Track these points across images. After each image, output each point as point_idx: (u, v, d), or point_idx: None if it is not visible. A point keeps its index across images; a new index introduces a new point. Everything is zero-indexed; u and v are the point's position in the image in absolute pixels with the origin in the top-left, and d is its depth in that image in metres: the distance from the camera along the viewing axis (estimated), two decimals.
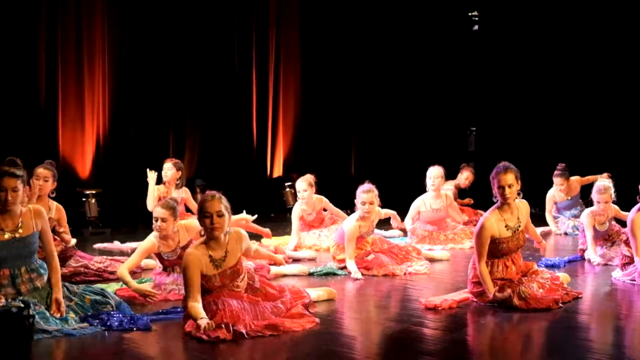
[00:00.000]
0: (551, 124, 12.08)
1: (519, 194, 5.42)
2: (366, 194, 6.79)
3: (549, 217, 9.36)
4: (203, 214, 4.69)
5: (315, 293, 5.39)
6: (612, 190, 7.20)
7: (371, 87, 12.82)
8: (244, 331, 4.40)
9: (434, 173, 8.43)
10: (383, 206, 7.21)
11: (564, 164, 9.38)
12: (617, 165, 10.44)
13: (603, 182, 7.31)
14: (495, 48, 12.88)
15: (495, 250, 5.33)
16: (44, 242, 4.89)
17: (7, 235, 4.68)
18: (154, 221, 5.76)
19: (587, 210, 7.28)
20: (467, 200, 9.94)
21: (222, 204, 4.72)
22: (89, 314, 4.75)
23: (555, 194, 9.34)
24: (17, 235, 4.70)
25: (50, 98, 9.61)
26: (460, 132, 13.69)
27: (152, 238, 5.80)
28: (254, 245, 5.29)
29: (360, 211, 6.80)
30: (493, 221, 5.34)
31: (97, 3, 9.98)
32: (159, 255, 5.86)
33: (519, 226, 5.42)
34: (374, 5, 12.68)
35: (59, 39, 9.62)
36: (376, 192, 6.87)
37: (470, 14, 13.50)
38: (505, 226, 5.37)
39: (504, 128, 12.71)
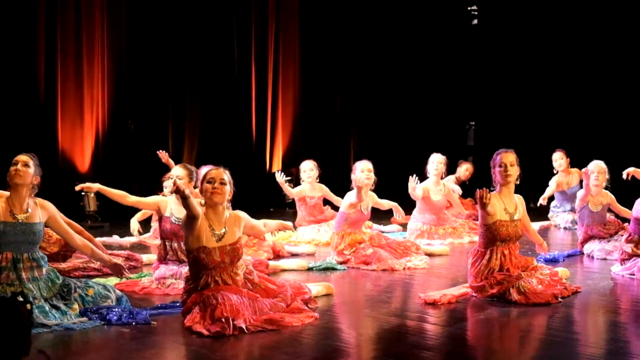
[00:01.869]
0: (550, 118, 12.08)
1: (518, 180, 5.42)
2: (363, 163, 6.98)
3: (549, 190, 9.07)
4: (206, 180, 4.77)
5: (315, 288, 5.38)
6: (605, 168, 7.24)
7: (370, 81, 12.81)
8: (243, 326, 4.39)
9: (437, 158, 8.36)
10: (382, 199, 7.24)
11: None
12: (616, 158, 10.44)
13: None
14: (494, 42, 12.88)
15: (494, 234, 5.30)
16: (59, 230, 4.98)
17: (15, 218, 4.75)
18: (170, 179, 6.08)
19: (581, 190, 7.30)
20: (468, 200, 9.89)
21: (226, 175, 4.82)
22: (89, 307, 4.75)
23: (557, 179, 9.21)
24: (24, 219, 4.76)
25: (49, 92, 9.60)
26: (459, 126, 13.69)
27: (165, 197, 6.10)
28: (259, 221, 5.29)
29: (359, 182, 6.82)
30: (494, 200, 5.32)
31: None
32: (165, 219, 5.89)
33: (517, 215, 5.41)
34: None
35: (58, 34, 9.61)
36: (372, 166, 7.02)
37: (469, 8, 13.49)
38: (504, 209, 5.36)
39: (503, 122, 12.71)
